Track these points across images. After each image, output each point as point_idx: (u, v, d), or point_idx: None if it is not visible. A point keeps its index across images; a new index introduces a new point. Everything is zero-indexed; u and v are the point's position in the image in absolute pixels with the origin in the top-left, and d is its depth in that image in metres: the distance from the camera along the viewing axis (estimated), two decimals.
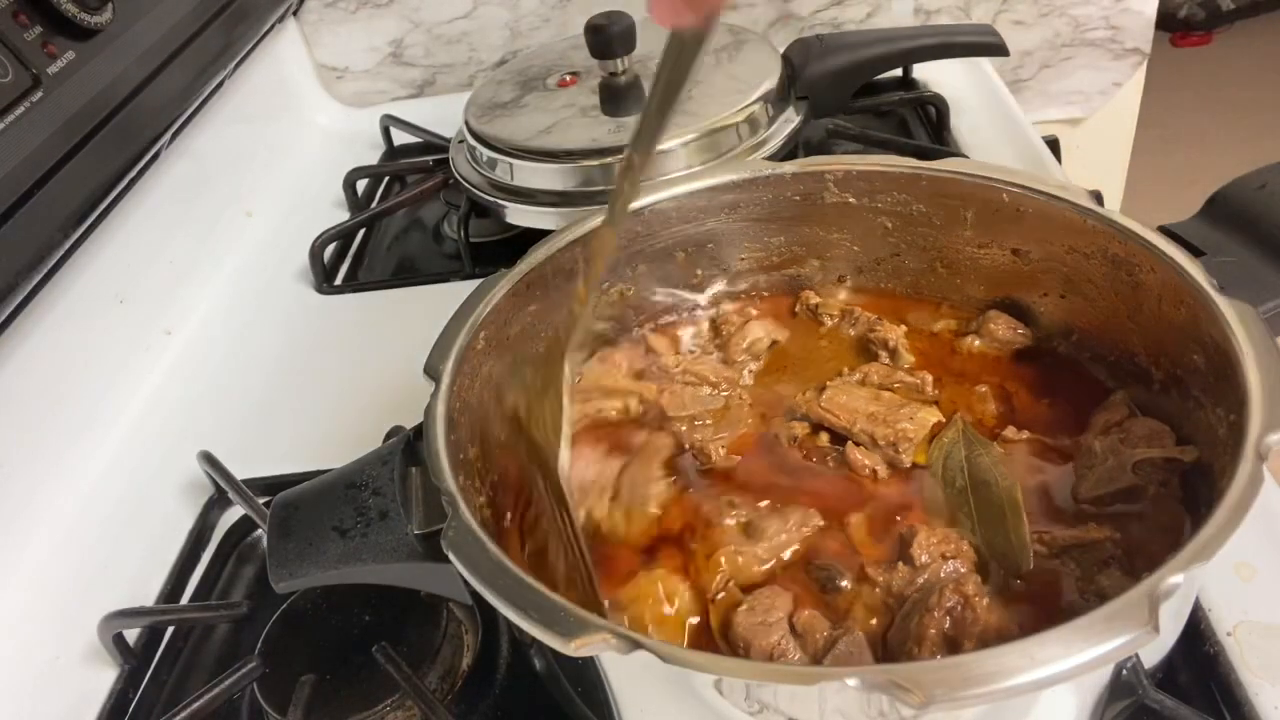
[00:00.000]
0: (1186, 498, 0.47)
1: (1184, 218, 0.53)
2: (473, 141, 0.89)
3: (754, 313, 0.64)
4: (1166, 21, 3.17)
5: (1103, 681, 0.42)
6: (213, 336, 0.86)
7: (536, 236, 0.57)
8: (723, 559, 0.48)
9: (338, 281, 0.93)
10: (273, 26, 1.08)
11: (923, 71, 1.04)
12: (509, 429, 0.50)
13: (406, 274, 0.95)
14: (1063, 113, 1.24)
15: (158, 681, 0.58)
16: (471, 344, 0.50)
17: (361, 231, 0.99)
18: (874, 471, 0.52)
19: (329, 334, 0.85)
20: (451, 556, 0.39)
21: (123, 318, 0.79)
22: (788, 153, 0.86)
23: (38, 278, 0.65)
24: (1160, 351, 0.50)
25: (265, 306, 0.90)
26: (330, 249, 0.93)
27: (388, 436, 0.64)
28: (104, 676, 0.58)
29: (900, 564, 0.46)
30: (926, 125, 1.00)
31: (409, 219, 1.03)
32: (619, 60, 0.87)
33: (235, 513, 0.66)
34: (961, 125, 0.98)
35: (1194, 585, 0.47)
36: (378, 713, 0.50)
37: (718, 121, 0.82)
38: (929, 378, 0.56)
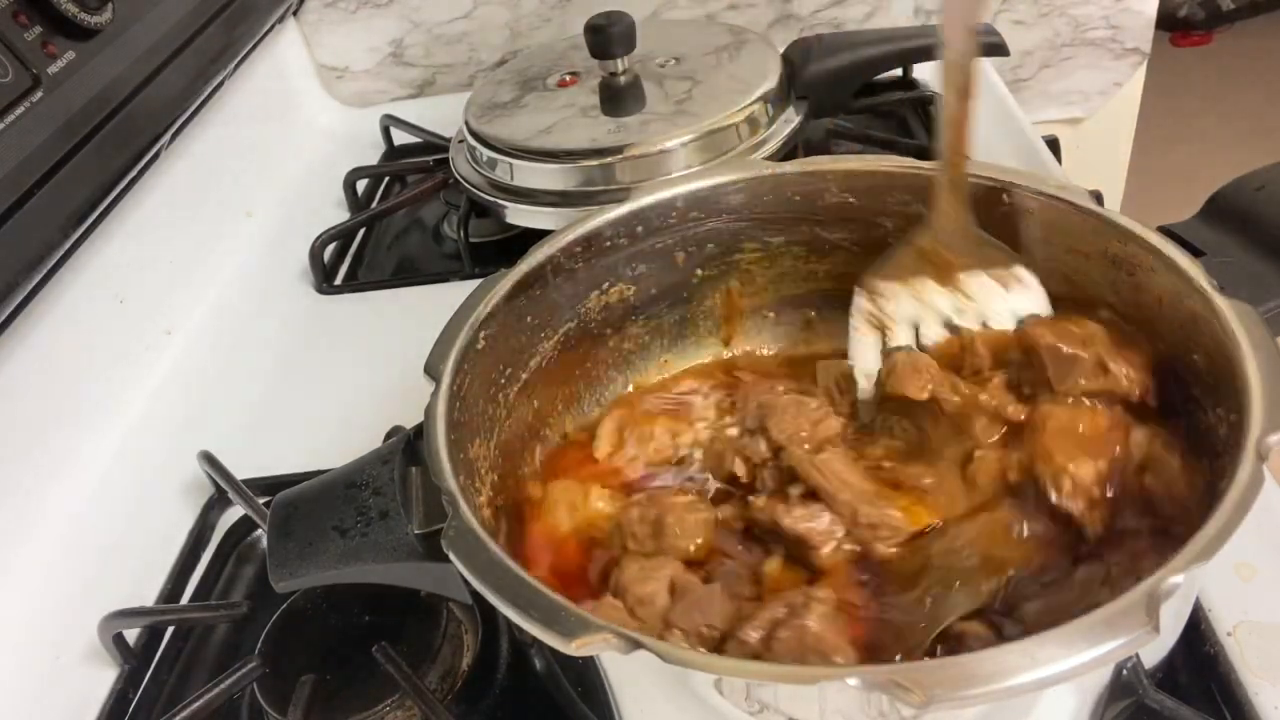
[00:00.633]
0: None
1: (1184, 218, 0.53)
2: (473, 141, 0.89)
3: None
4: (1166, 21, 3.17)
5: (1103, 681, 0.42)
6: (213, 336, 0.86)
7: (536, 236, 0.57)
8: None
9: (338, 281, 0.93)
10: (273, 26, 1.08)
11: (923, 71, 1.04)
12: None
13: (406, 274, 0.95)
14: (1063, 113, 1.24)
15: (158, 681, 0.58)
16: (471, 344, 0.50)
17: (361, 231, 0.99)
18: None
19: (329, 334, 0.85)
20: (451, 556, 0.39)
21: (123, 318, 0.79)
22: (788, 153, 0.86)
23: (38, 278, 0.65)
24: (1160, 351, 0.50)
25: (265, 306, 0.90)
26: (330, 249, 0.93)
27: (388, 436, 0.64)
28: (104, 676, 0.57)
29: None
30: (926, 125, 1.00)
31: (409, 219, 1.03)
32: (619, 60, 0.87)
33: (235, 513, 0.66)
34: None
35: (1194, 585, 0.47)
36: (378, 713, 0.50)
37: (718, 121, 0.82)
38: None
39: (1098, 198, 0.53)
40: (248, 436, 0.73)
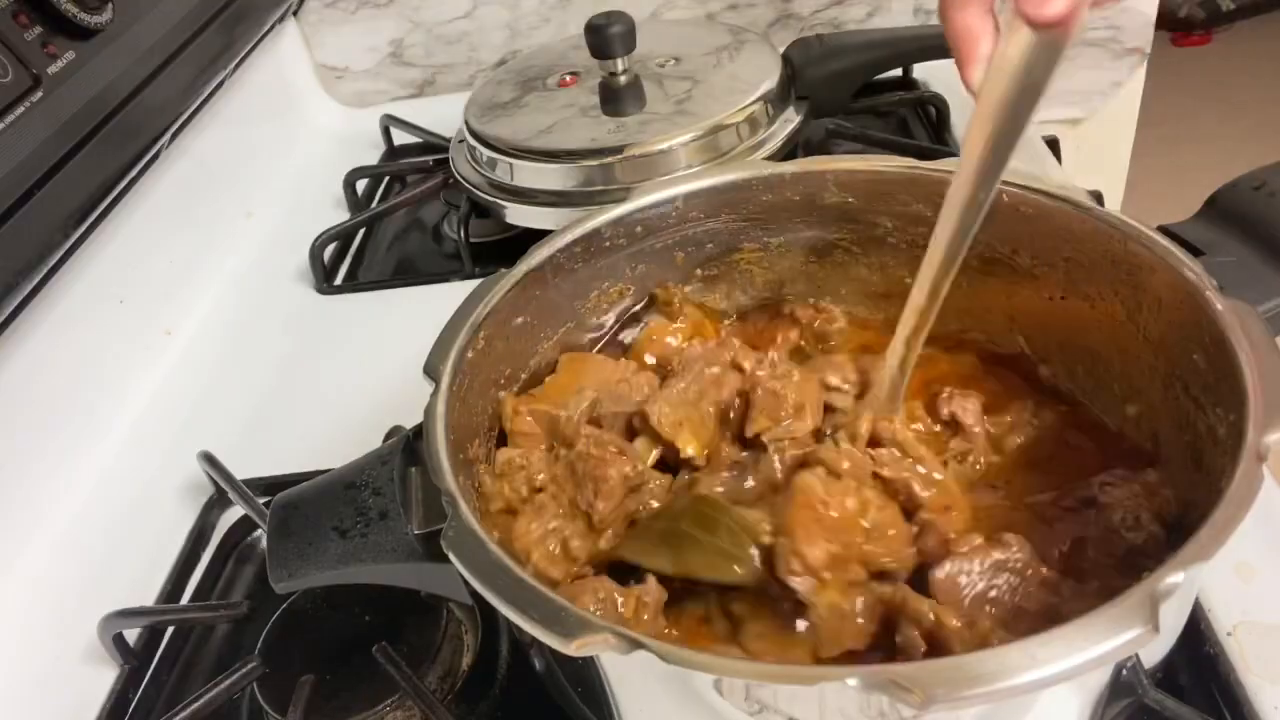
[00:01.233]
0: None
1: (1184, 218, 0.53)
2: (473, 141, 0.89)
3: None
4: (1166, 21, 3.17)
5: (1103, 681, 0.42)
6: (213, 336, 0.86)
7: (536, 236, 0.57)
8: None
9: (338, 281, 0.93)
10: (273, 27, 1.08)
11: (923, 71, 1.04)
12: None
13: (406, 274, 0.95)
14: (1063, 113, 1.24)
15: (158, 681, 0.58)
16: (471, 344, 0.50)
17: (361, 231, 0.99)
18: None
19: (329, 334, 0.85)
20: (451, 556, 0.39)
21: (123, 318, 0.79)
22: (788, 153, 0.86)
23: (38, 278, 0.65)
24: (1160, 351, 0.50)
25: (265, 306, 0.90)
26: (330, 249, 0.93)
27: (388, 436, 0.64)
28: (104, 676, 0.58)
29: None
30: (926, 125, 1.00)
31: (409, 219, 1.03)
32: (619, 60, 0.87)
33: (235, 513, 0.67)
34: (962, 125, 0.98)
35: (1194, 585, 0.47)
36: (378, 713, 0.50)
37: (718, 121, 0.82)
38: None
39: (1098, 198, 0.53)
40: (248, 436, 0.73)
